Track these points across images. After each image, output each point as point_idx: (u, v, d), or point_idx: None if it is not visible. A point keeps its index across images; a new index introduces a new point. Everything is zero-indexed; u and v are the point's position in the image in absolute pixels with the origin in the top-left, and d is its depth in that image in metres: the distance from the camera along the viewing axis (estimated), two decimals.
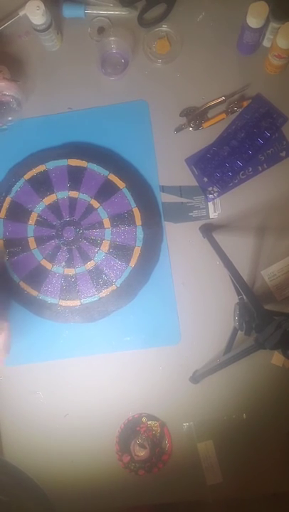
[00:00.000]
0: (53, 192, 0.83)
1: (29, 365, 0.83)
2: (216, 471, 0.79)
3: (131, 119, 0.86)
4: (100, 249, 0.82)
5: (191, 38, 0.87)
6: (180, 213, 0.84)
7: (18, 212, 0.83)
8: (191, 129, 0.85)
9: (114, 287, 0.81)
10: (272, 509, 0.84)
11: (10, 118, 0.85)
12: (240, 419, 0.80)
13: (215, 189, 0.84)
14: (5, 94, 0.83)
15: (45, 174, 0.83)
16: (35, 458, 0.78)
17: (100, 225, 0.82)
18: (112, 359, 0.82)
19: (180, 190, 0.85)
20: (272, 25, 0.80)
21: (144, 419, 0.81)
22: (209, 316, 0.82)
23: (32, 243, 0.82)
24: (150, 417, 0.81)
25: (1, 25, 0.88)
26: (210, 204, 0.84)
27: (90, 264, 0.81)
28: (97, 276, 0.81)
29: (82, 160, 0.83)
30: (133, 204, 0.82)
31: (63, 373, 0.83)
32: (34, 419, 0.83)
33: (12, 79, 0.84)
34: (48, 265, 0.82)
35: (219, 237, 0.81)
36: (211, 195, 0.84)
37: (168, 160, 0.85)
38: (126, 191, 0.82)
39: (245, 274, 0.82)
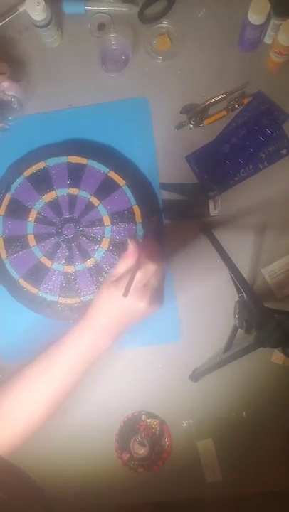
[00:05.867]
0: (52, 189, 0.82)
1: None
2: (216, 469, 0.79)
3: (131, 116, 0.86)
4: (99, 246, 0.81)
5: (192, 35, 0.87)
6: (180, 211, 0.84)
7: (17, 210, 0.82)
8: (191, 126, 0.85)
9: None
10: (272, 507, 0.84)
11: (10, 118, 0.84)
12: (240, 417, 0.80)
13: (215, 186, 0.83)
14: (6, 94, 0.83)
15: (44, 171, 0.83)
16: (34, 456, 0.78)
17: (99, 222, 0.82)
18: (111, 357, 0.82)
19: (180, 188, 0.84)
20: (274, 21, 0.79)
21: (143, 417, 0.81)
22: (209, 314, 0.82)
23: (32, 240, 0.82)
24: (150, 415, 0.81)
25: (1, 21, 0.88)
26: (210, 201, 0.84)
27: (89, 262, 0.81)
28: (97, 273, 0.81)
29: (82, 157, 0.82)
30: (133, 201, 0.82)
31: None
32: None
33: (14, 79, 0.83)
34: (47, 262, 0.81)
35: (219, 234, 0.81)
36: (211, 193, 0.84)
37: (168, 157, 0.85)
38: (126, 188, 0.82)
39: (245, 271, 0.82)
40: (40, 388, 0.64)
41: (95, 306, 0.64)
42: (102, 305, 0.63)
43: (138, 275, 0.59)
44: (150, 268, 0.60)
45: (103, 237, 0.81)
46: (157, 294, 0.62)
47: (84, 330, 0.64)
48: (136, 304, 0.60)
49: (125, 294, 0.57)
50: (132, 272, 0.59)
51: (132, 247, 0.61)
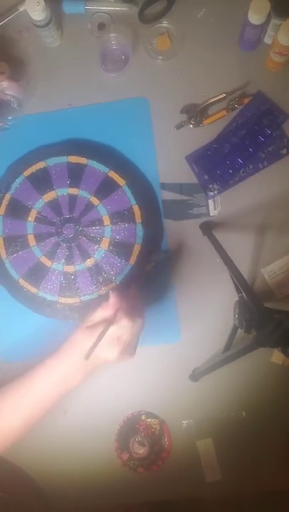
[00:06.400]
0: (52, 189, 0.82)
1: (28, 363, 0.82)
2: (215, 469, 0.79)
3: (131, 116, 0.86)
4: (99, 246, 0.81)
5: (192, 35, 0.87)
6: (180, 211, 0.84)
7: (17, 209, 0.82)
8: (191, 126, 0.85)
9: (113, 285, 0.81)
10: (271, 507, 0.84)
11: (10, 117, 0.84)
12: (240, 417, 0.80)
13: (215, 186, 0.83)
14: (6, 94, 0.83)
15: (44, 171, 0.83)
16: (33, 455, 0.78)
17: (99, 222, 0.82)
18: None
19: (180, 188, 0.84)
20: (274, 21, 0.79)
21: (143, 417, 0.81)
22: (209, 314, 0.82)
23: (31, 240, 0.82)
24: (149, 415, 0.81)
25: (1, 20, 0.87)
26: (210, 201, 0.84)
27: (89, 262, 0.81)
28: (96, 273, 0.81)
29: (82, 157, 0.82)
30: (133, 201, 0.82)
31: None
32: None
33: (14, 78, 0.83)
34: (47, 262, 0.81)
35: (219, 234, 0.81)
36: (211, 193, 0.84)
37: (168, 157, 0.85)
38: (126, 188, 0.82)
39: (245, 271, 0.82)
40: (10, 414, 0.68)
41: (69, 345, 0.67)
42: (74, 347, 0.66)
43: (112, 329, 0.63)
44: (126, 324, 0.64)
45: (103, 236, 0.81)
46: (130, 346, 0.66)
47: (56, 364, 0.67)
48: (106, 353, 0.64)
49: (86, 357, 0.61)
50: (100, 334, 0.62)
51: (112, 300, 0.66)
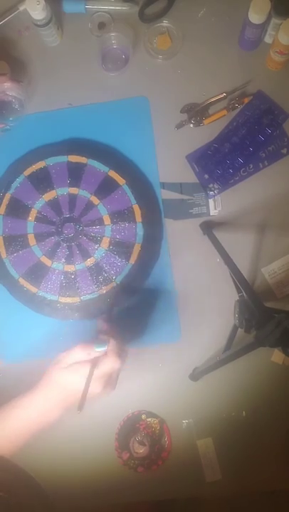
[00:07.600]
0: (52, 188, 0.82)
1: (28, 362, 0.82)
2: (215, 469, 0.79)
3: (131, 116, 0.86)
4: (99, 245, 0.81)
5: (192, 34, 0.87)
6: (180, 210, 0.84)
7: (17, 209, 0.82)
8: (191, 125, 0.85)
9: (114, 284, 0.81)
10: (271, 507, 0.84)
11: (11, 118, 0.84)
12: (240, 416, 0.80)
13: (215, 186, 0.83)
14: (7, 95, 0.83)
15: (45, 170, 0.83)
16: (33, 454, 0.78)
17: (99, 221, 0.82)
18: None
19: (180, 187, 0.84)
20: (274, 21, 0.79)
21: (143, 416, 0.81)
22: (209, 314, 0.82)
23: (32, 240, 0.82)
24: (150, 414, 0.81)
25: (1, 19, 0.87)
26: (210, 201, 0.84)
27: (89, 261, 0.81)
28: (97, 273, 0.81)
29: (83, 156, 0.82)
30: (133, 201, 0.82)
31: None
32: None
33: (15, 79, 0.83)
34: (47, 262, 0.81)
35: (219, 234, 0.81)
36: (211, 192, 0.84)
37: (168, 156, 0.85)
38: (126, 188, 0.82)
39: (245, 271, 0.82)
40: None
41: (45, 382, 0.67)
42: (51, 384, 0.66)
43: (97, 371, 0.63)
44: (111, 364, 0.64)
45: (103, 236, 0.81)
46: (112, 380, 0.66)
47: (33, 402, 0.67)
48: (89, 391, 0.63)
49: (80, 409, 0.61)
50: (87, 379, 0.62)
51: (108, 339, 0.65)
